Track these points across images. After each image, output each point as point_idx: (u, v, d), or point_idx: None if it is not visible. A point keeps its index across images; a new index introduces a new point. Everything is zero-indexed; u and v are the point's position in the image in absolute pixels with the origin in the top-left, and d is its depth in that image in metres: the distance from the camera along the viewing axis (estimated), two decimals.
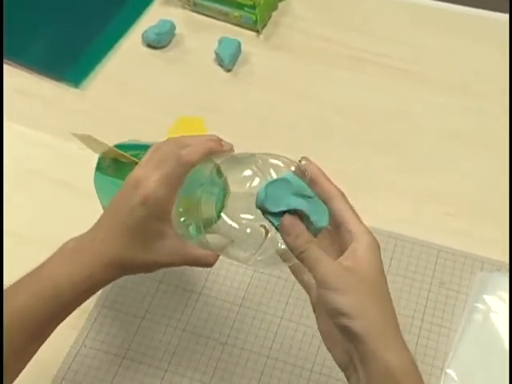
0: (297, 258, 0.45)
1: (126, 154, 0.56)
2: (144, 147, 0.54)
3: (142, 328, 0.63)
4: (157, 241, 0.50)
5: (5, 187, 0.74)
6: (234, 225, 0.49)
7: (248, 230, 0.49)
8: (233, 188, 0.50)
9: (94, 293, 0.50)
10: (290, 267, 0.50)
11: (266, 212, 0.45)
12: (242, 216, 0.48)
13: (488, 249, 0.67)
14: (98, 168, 0.60)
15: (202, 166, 0.51)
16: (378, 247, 0.46)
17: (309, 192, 0.46)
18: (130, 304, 0.65)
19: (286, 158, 0.49)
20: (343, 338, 0.44)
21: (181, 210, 0.51)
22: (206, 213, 0.50)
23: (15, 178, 0.75)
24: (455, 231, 0.69)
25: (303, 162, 0.48)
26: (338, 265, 0.44)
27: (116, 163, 0.58)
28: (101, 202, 0.59)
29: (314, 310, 0.48)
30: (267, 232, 0.48)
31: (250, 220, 0.48)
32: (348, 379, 0.45)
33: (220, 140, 0.52)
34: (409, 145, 0.78)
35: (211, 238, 0.50)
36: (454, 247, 0.68)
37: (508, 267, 0.65)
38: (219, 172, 0.51)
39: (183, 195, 0.50)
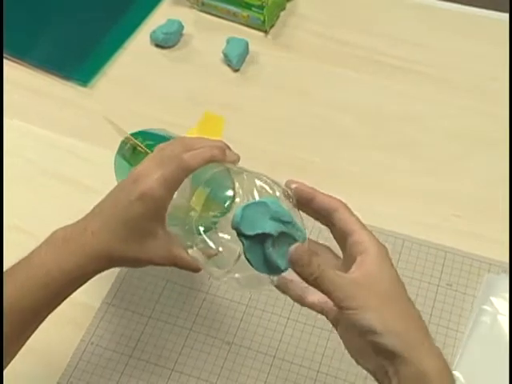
0: (310, 285, 0.44)
1: (140, 144, 0.58)
2: (163, 138, 0.55)
3: (149, 327, 0.63)
4: (148, 239, 0.50)
5: (15, 186, 0.74)
6: (210, 243, 0.49)
7: (220, 249, 0.49)
8: (214, 204, 0.50)
9: (85, 282, 0.51)
10: (290, 295, 0.49)
11: (240, 234, 0.45)
12: (220, 234, 0.48)
13: (495, 251, 0.67)
14: (119, 151, 0.62)
15: (204, 169, 0.51)
16: (387, 253, 0.45)
17: (287, 217, 0.45)
18: (136, 302, 0.65)
19: (274, 182, 0.48)
20: (377, 353, 0.43)
21: (173, 210, 0.51)
22: (192, 221, 0.50)
23: (23, 176, 0.76)
24: (463, 233, 0.69)
25: (293, 186, 0.47)
26: (352, 283, 0.44)
27: (133, 150, 0.60)
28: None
29: (336, 329, 0.48)
30: (240, 254, 0.47)
31: (225, 239, 0.48)
32: None
33: (225, 148, 0.52)
34: (419, 146, 0.78)
35: (192, 252, 0.51)
36: (462, 249, 0.68)
37: None
38: (233, 185, 0.51)
39: (179, 193, 0.50)
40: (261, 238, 0.44)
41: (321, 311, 0.49)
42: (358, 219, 0.46)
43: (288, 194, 0.47)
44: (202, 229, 0.50)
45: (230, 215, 0.46)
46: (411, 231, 0.69)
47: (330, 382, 0.60)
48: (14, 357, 0.49)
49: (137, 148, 0.59)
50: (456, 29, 0.89)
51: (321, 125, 0.80)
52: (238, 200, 0.48)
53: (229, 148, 0.53)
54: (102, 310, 0.64)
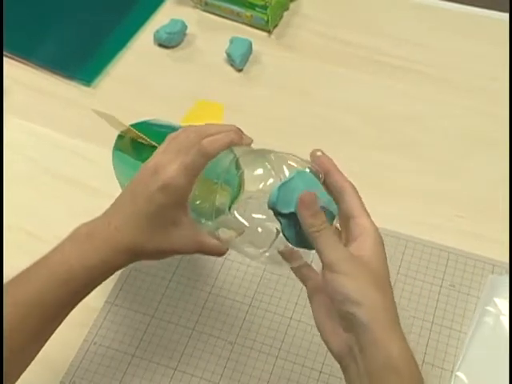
0: (310, 237, 0.45)
1: (144, 136, 0.57)
2: (166, 127, 0.55)
3: (152, 326, 0.64)
4: (172, 228, 0.50)
5: (17, 185, 0.74)
6: (246, 223, 0.49)
7: (259, 229, 0.49)
8: (247, 186, 0.50)
9: (106, 277, 0.51)
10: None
11: (277, 213, 0.46)
12: (254, 215, 0.49)
13: (499, 251, 0.67)
14: (117, 146, 0.61)
15: (223, 155, 0.51)
16: (383, 246, 0.47)
17: (320, 192, 0.46)
18: (140, 302, 0.65)
19: (301, 159, 0.49)
20: (345, 327, 0.44)
21: (197, 193, 0.51)
22: (219, 202, 0.50)
23: (26, 176, 0.76)
24: (466, 233, 0.69)
25: (318, 154, 0.48)
26: (348, 251, 0.45)
27: (135, 143, 0.59)
28: (118, 180, 0.60)
29: (311, 302, 0.48)
30: (278, 232, 0.48)
31: (261, 219, 0.48)
32: (344, 370, 0.45)
33: (241, 132, 0.52)
34: (421, 147, 0.78)
35: (223, 232, 0.51)
36: (465, 249, 0.68)
37: None
38: (238, 165, 0.51)
39: (201, 179, 0.50)
40: (296, 215, 0.45)
41: (303, 281, 0.50)
42: (363, 205, 0.48)
43: (316, 170, 0.48)
44: (235, 213, 0.50)
45: (261, 195, 0.47)
46: (414, 231, 0.69)
47: (333, 382, 0.60)
48: (35, 355, 0.49)
49: (137, 140, 0.58)
50: (457, 29, 0.89)
51: (323, 125, 0.80)
52: (271, 180, 0.48)
53: (242, 131, 0.53)
54: (104, 310, 0.65)
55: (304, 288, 0.53)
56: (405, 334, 0.44)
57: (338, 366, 0.59)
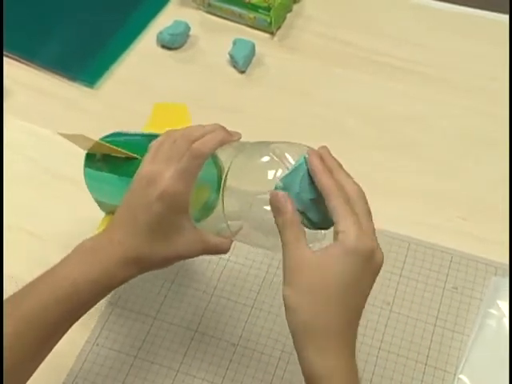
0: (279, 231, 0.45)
1: (119, 149, 0.56)
2: (136, 135, 0.56)
3: (154, 328, 0.64)
4: (175, 235, 0.50)
5: (19, 186, 0.74)
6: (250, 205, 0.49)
7: (262, 215, 0.48)
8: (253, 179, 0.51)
9: (110, 291, 0.51)
10: None
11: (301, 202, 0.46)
12: (266, 208, 0.48)
13: (502, 253, 0.67)
14: (88, 164, 0.60)
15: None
16: (362, 255, 0.44)
17: None
18: (142, 304, 0.65)
19: (302, 145, 0.50)
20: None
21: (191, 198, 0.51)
22: (206, 198, 0.51)
23: (27, 176, 0.76)
24: (469, 235, 0.69)
25: (321, 151, 0.49)
26: (302, 258, 0.44)
27: (108, 158, 0.58)
28: (93, 197, 0.60)
29: None
30: None
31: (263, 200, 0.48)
32: None
33: (225, 129, 0.52)
34: (423, 147, 0.78)
35: (233, 226, 0.51)
36: (468, 251, 0.67)
37: None
38: (215, 160, 0.51)
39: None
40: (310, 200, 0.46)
41: None
42: (346, 210, 0.45)
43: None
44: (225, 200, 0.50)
45: (269, 188, 0.47)
46: (416, 233, 0.69)
47: None
48: (39, 364, 0.49)
49: (109, 155, 0.57)
50: (456, 29, 0.89)
51: (325, 125, 0.80)
52: (280, 171, 0.48)
53: (226, 128, 0.53)
54: (107, 311, 0.65)
55: None
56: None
57: None
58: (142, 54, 0.89)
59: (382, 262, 0.45)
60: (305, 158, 0.47)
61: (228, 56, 0.86)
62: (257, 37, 0.88)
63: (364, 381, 0.59)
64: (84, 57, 0.88)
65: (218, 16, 0.92)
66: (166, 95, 0.84)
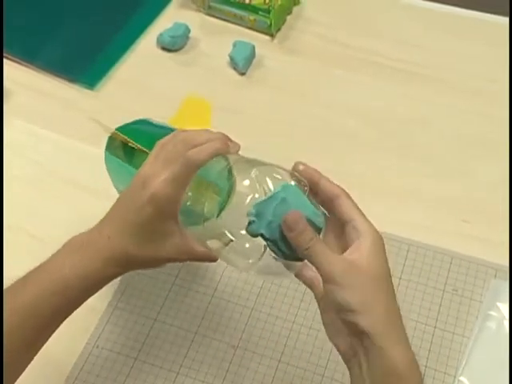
0: (302, 256, 0.45)
1: (132, 141, 0.57)
2: (162, 128, 0.55)
3: (155, 329, 0.63)
4: (163, 238, 0.50)
5: (19, 187, 0.74)
6: (233, 238, 0.49)
7: (246, 242, 0.48)
8: (234, 198, 0.50)
9: (101, 287, 0.51)
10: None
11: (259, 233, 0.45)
12: (242, 232, 0.47)
13: (502, 256, 0.67)
14: (108, 148, 0.61)
15: (219, 158, 0.51)
16: (383, 245, 0.46)
17: (305, 205, 0.46)
18: (142, 306, 0.65)
19: (287, 170, 0.49)
20: (349, 332, 0.44)
21: (190, 193, 0.51)
22: (208, 207, 0.50)
23: (27, 178, 0.76)
24: (469, 238, 0.69)
25: (300, 168, 0.48)
26: (343, 260, 0.44)
27: (124, 146, 0.59)
28: (112, 181, 0.61)
29: (319, 305, 0.48)
30: (266, 247, 0.47)
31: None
32: (350, 369, 0.46)
33: (227, 139, 0.52)
34: (425, 150, 0.78)
35: (211, 243, 0.51)
36: (468, 254, 0.67)
37: None
38: (230, 172, 0.51)
39: (195, 179, 0.50)
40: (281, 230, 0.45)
41: (310, 286, 0.50)
42: (358, 208, 0.47)
43: (301, 182, 0.47)
44: (226, 231, 0.49)
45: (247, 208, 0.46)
46: (417, 236, 0.69)
47: None
48: (31, 360, 0.49)
49: (128, 144, 0.58)
50: (455, 31, 0.89)
51: (326, 127, 0.80)
52: (257, 195, 0.48)
53: (229, 139, 0.52)
54: (107, 313, 0.64)
55: (306, 291, 0.53)
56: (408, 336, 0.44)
57: (341, 370, 0.60)
58: (142, 56, 0.89)
59: None
60: (283, 186, 0.46)
61: (228, 58, 0.86)
62: (257, 39, 0.89)
63: None
64: (84, 59, 0.88)
65: (218, 18, 0.92)
66: (166, 97, 0.84)
